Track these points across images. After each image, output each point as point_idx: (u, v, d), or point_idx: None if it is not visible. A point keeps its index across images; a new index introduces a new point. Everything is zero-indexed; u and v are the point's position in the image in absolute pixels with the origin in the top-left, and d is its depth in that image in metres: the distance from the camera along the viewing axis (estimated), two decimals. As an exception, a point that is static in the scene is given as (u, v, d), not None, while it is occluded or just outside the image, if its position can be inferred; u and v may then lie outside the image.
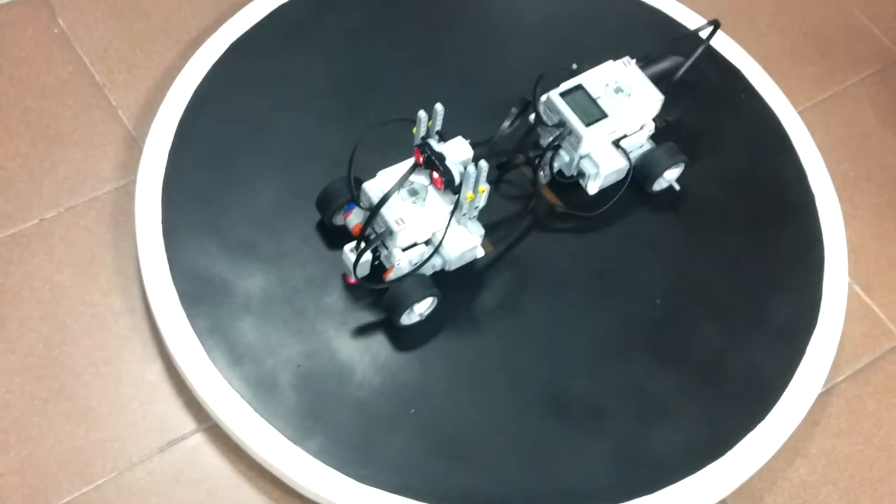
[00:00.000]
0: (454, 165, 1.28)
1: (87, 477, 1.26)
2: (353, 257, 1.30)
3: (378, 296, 1.33)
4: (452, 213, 1.31)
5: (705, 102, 1.60)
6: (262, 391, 1.29)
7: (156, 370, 1.33)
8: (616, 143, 1.45)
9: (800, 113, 1.62)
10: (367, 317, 1.35)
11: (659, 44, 1.55)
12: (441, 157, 1.28)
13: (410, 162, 1.31)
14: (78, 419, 1.29)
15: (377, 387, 1.31)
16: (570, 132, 1.41)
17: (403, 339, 1.35)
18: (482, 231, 1.36)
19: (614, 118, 1.41)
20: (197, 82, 1.52)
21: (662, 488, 1.28)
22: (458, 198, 1.30)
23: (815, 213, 1.52)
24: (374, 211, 1.28)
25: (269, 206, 1.42)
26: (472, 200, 1.31)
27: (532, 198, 1.45)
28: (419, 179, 1.31)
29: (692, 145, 1.53)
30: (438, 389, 1.33)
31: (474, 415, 1.32)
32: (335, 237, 1.38)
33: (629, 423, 1.33)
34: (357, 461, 1.26)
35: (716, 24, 1.55)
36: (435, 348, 1.35)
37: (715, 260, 1.47)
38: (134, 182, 1.44)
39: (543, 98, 1.43)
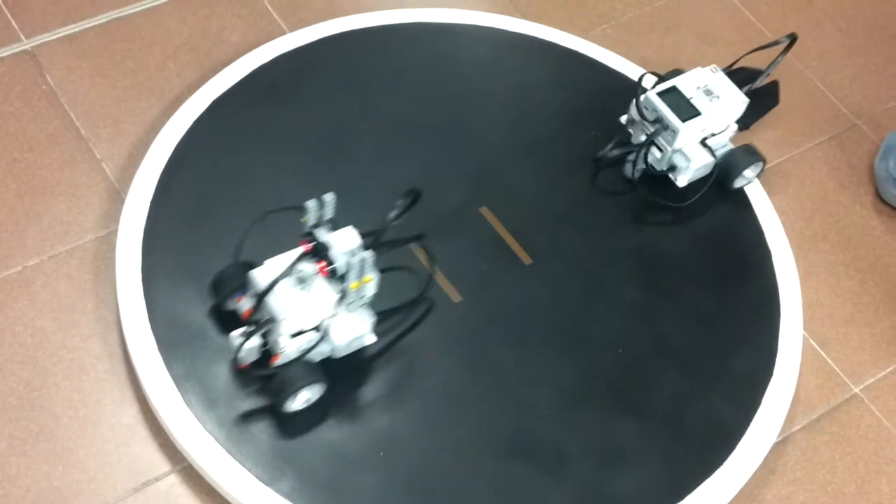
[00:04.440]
0: (340, 255, 1.30)
1: (63, 516, 1.29)
2: (238, 343, 1.31)
3: (266, 381, 1.34)
4: (339, 301, 1.32)
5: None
6: (235, 433, 1.32)
7: (132, 413, 1.37)
8: (703, 142, 1.57)
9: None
10: (338, 361, 1.39)
11: (621, 108, 1.62)
12: (326, 247, 1.30)
13: (300, 250, 1.32)
14: (56, 460, 1.32)
15: (348, 430, 1.35)
16: (667, 127, 1.53)
17: (374, 384, 1.39)
18: (373, 318, 1.37)
19: (705, 116, 1.54)
20: (179, 137, 1.57)
21: (622, 531, 1.33)
22: (344, 287, 1.31)
23: (773, 271, 1.58)
24: (259, 298, 1.29)
25: (246, 255, 1.47)
26: (359, 290, 1.32)
27: (429, 284, 1.47)
28: (307, 268, 1.32)
29: (656, 203, 1.60)
30: (407, 433, 1.36)
31: (442, 459, 1.36)
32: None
33: (591, 468, 1.37)
34: (327, 502, 1.29)
35: (793, 38, 1.64)
36: (405, 393, 1.40)
37: (676, 313, 1.52)
38: (115, 232, 1.48)
39: (643, 96, 1.55)
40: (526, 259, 1.53)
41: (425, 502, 1.32)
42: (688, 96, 1.55)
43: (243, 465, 1.30)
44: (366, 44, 1.75)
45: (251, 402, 1.34)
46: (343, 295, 1.31)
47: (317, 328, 1.33)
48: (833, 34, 1.95)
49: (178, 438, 1.32)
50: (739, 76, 1.61)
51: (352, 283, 1.30)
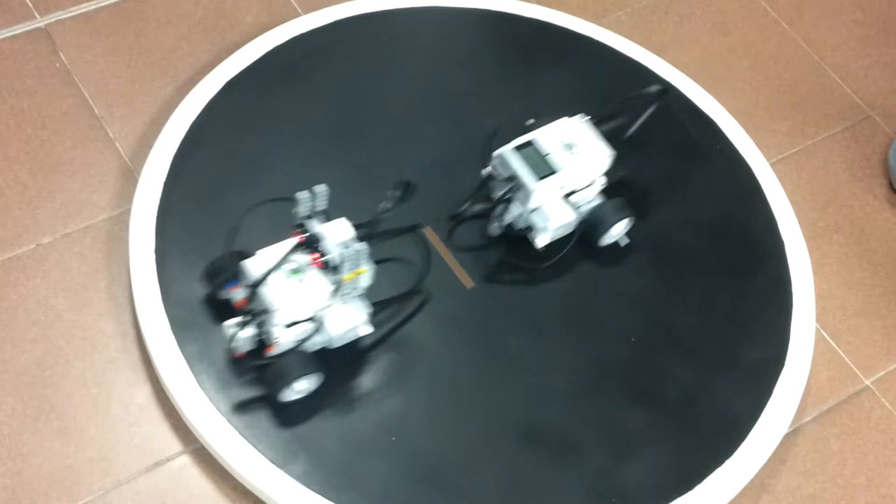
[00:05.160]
0: (334, 246, 1.30)
1: (74, 495, 1.29)
2: (233, 332, 1.31)
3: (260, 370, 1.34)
4: (333, 293, 1.31)
5: (682, 152, 1.66)
6: (248, 415, 1.32)
7: (145, 393, 1.37)
8: (566, 198, 1.48)
9: (772, 165, 1.69)
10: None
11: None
12: (319, 238, 1.30)
13: (293, 241, 1.32)
14: (67, 438, 1.32)
15: (360, 415, 1.35)
16: (521, 187, 1.44)
17: (386, 369, 1.39)
18: (369, 309, 1.36)
19: (563, 173, 1.44)
20: (193, 117, 1.57)
21: (633, 519, 1.33)
22: (338, 278, 1.30)
23: (785, 261, 1.58)
24: (253, 289, 1.28)
25: (258, 236, 1.46)
26: (353, 281, 1.31)
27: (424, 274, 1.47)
28: (301, 258, 1.31)
29: (669, 192, 1.60)
30: (419, 419, 1.36)
31: (453, 445, 1.35)
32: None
33: (602, 457, 1.37)
34: (339, 486, 1.29)
35: (664, 90, 1.57)
36: (417, 379, 1.39)
37: (688, 303, 1.52)
38: (128, 211, 1.48)
39: (496, 153, 1.45)
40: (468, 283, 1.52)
41: (436, 488, 1.32)
42: (545, 151, 1.43)
43: (256, 448, 1.30)
44: (379, 27, 1.74)
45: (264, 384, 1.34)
46: (337, 286, 1.30)
47: (312, 319, 1.32)
48: (849, 25, 1.95)
49: (190, 419, 1.32)
50: (609, 125, 1.52)
51: (346, 275, 1.29)
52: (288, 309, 1.29)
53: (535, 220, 1.47)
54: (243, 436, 1.30)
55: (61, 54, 1.66)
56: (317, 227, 1.31)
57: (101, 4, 1.73)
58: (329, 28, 1.72)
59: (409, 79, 1.69)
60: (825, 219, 1.68)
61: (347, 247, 1.29)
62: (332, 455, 1.32)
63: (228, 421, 1.31)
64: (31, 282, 1.43)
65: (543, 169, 1.43)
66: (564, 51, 1.77)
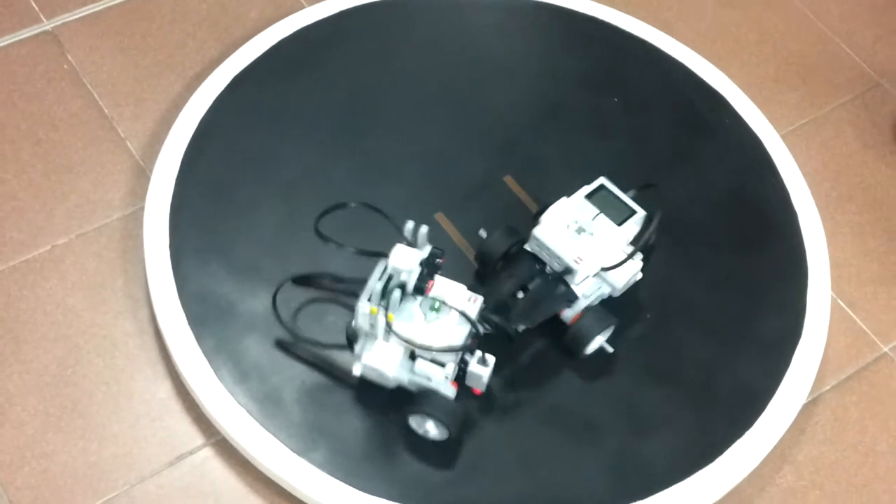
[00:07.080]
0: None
1: (99, 491, 1.30)
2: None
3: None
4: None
5: (692, 127, 1.66)
6: (268, 406, 1.33)
7: (165, 388, 1.38)
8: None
9: (783, 136, 1.68)
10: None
11: (643, 73, 1.61)
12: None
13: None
14: (91, 436, 1.34)
15: (378, 400, 1.35)
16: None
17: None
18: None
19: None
20: (201, 114, 1.58)
21: (654, 494, 1.33)
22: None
23: (799, 232, 1.57)
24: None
25: (272, 230, 1.48)
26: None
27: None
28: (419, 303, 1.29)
29: (680, 168, 1.60)
30: (437, 403, 1.37)
31: (473, 427, 1.36)
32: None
33: (622, 432, 1.37)
34: (360, 472, 1.30)
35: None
36: (434, 364, 1.40)
37: (703, 276, 1.52)
38: (142, 210, 1.49)
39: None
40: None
41: (456, 471, 1.33)
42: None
43: (276, 437, 1.31)
44: (385, 16, 1.75)
45: (282, 375, 1.35)
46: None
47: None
48: (854, -7, 1.94)
49: (211, 412, 1.33)
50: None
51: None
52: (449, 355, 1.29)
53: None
54: (263, 426, 1.32)
55: (69, 56, 1.67)
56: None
57: (107, 5, 1.74)
58: (333, 19, 1.73)
59: (416, 67, 1.70)
60: (838, 188, 1.68)
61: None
62: (352, 442, 1.32)
63: (248, 412, 1.32)
64: (48, 283, 1.45)
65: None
66: (572, 32, 1.77)
